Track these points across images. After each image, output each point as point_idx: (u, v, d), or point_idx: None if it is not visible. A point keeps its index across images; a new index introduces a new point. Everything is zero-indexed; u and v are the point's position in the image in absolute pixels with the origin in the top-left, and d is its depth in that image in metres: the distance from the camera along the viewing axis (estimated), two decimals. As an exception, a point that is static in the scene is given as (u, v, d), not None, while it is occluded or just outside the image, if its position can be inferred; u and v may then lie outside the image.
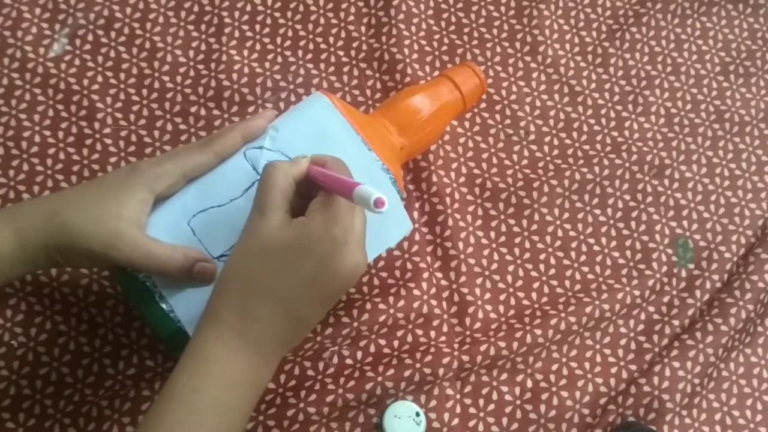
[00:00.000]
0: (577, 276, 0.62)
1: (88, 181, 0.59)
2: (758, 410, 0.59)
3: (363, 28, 0.66)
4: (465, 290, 0.59)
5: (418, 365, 0.56)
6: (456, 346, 0.58)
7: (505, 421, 0.57)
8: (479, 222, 0.62)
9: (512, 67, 0.67)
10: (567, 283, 0.61)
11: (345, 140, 0.49)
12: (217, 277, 0.43)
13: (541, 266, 0.62)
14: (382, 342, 0.57)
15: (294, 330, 0.43)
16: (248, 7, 0.66)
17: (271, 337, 0.42)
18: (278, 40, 0.65)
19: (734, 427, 0.58)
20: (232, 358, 0.41)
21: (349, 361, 0.57)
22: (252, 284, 0.41)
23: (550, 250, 0.62)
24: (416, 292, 0.58)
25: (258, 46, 0.65)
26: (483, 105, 0.65)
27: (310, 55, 0.65)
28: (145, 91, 0.62)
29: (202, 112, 0.62)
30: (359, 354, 0.57)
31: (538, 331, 0.58)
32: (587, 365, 0.59)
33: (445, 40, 0.67)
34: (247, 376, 0.41)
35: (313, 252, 0.40)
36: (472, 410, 0.57)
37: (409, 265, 0.59)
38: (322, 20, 0.66)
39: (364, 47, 0.66)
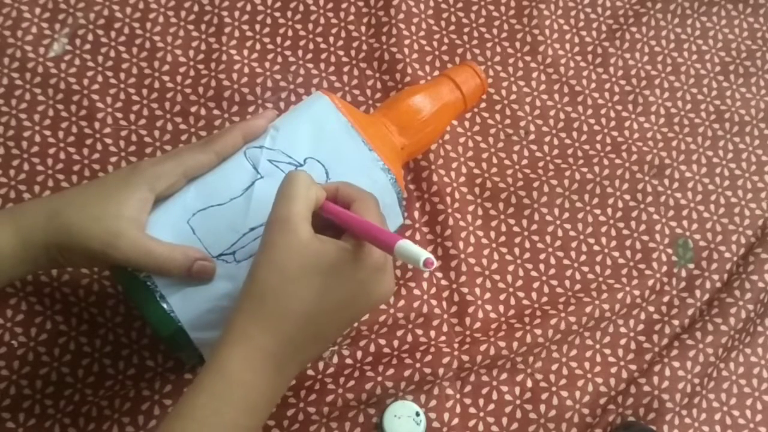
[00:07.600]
0: (577, 276, 0.62)
1: (89, 180, 0.59)
2: (758, 410, 0.59)
3: (363, 28, 0.66)
4: (465, 290, 0.59)
5: (418, 365, 0.56)
6: (456, 345, 0.58)
7: (505, 421, 0.57)
8: (479, 222, 0.62)
9: (512, 67, 0.67)
10: (567, 283, 0.61)
11: (346, 140, 0.49)
12: (242, 291, 0.41)
13: (541, 266, 0.62)
14: (382, 342, 0.57)
15: (315, 350, 0.43)
16: (248, 7, 0.66)
17: (294, 357, 0.41)
18: (278, 40, 0.65)
19: (734, 427, 0.58)
20: (257, 382, 0.40)
21: (349, 361, 0.57)
22: (287, 304, 0.40)
23: (550, 250, 0.62)
24: (416, 291, 0.58)
25: (258, 46, 0.65)
26: (483, 105, 0.65)
27: (310, 55, 0.65)
28: (145, 91, 0.62)
29: (203, 112, 0.62)
30: (359, 354, 0.57)
31: (538, 331, 0.58)
32: (587, 365, 0.59)
33: (445, 40, 0.67)
34: (267, 398, 0.41)
35: (353, 277, 0.40)
36: (472, 410, 0.57)
37: (409, 265, 0.59)
38: (322, 20, 0.66)
39: (364, 47, 0.66)
